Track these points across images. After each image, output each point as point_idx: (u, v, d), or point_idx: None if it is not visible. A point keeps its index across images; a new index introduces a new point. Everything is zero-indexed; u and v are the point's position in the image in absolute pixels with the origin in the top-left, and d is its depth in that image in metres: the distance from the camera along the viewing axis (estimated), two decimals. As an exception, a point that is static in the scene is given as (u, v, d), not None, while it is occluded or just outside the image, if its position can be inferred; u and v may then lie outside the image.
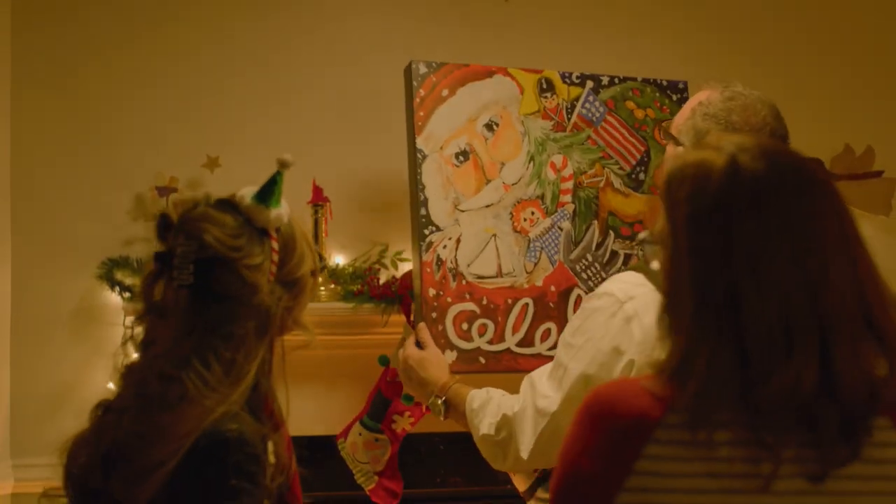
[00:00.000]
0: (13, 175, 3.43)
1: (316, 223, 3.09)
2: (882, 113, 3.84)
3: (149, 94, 3.51)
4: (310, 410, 3.30)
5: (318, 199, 3.11)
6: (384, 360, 3.01)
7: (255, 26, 3.50)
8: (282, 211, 1.82)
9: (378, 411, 3.14)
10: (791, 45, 3.83)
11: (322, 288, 3.08)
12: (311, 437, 3.21)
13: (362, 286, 2.83)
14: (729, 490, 1.31)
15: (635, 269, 2.12)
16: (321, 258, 3.07)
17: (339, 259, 3.23)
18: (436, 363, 2.61)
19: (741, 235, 1.32)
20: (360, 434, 3.18)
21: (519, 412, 2.16)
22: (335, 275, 3.12)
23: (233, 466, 1.63)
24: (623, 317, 2.04)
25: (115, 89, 3.47)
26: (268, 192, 1.80)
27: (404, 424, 3.15)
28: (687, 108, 2.21)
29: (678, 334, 1.34)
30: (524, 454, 2.14)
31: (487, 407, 2.27)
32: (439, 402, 2.47)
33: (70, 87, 3.47)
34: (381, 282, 3.27)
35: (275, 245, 1.77)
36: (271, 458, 1.73)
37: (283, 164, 1.84)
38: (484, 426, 2.26)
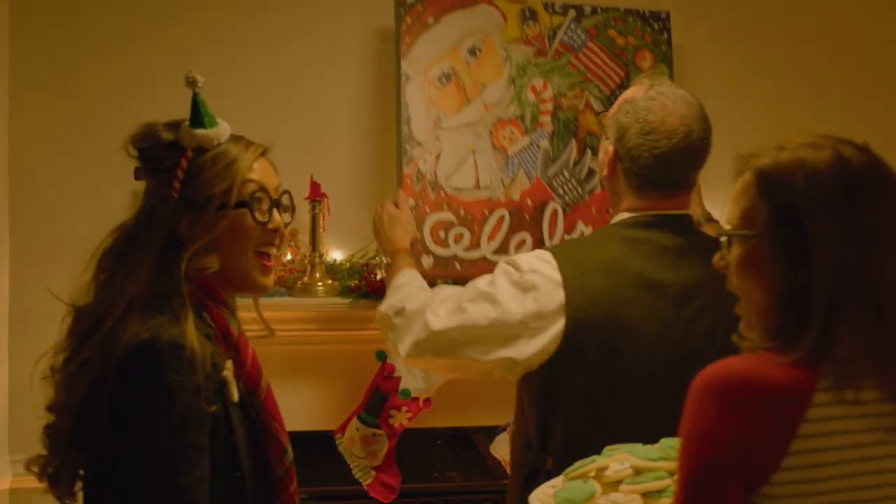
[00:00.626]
0: (11, 174, 3.52)
1: (314, 219, 3.24)
2: (873, 112, 3.97)
3: (149, 94, 3.66)
4: (307, 406, 3.40)
5: (316, 195, 3.28)
6: (381, 356, 3.10)
7: (254, 26, 3.64)
8: (210, 132, 2.03)
9: (375, 406, 3.18)
10: (781, 42, 3.99)
11: (319, 284, 3.20)
12: (308, 431, 3.29)
13: (359, 282, 2.89)
14: (884, 442, 1.57)
15: (550, 249, 2.41)
16: (319, 253, 3.27)
17: (336, 255, 3.36)
18: (403, 225, 2.88)
19: (863, 214, 1.59)
20: (357, 429, 3.24)
21: (415, 311, 2.46)
22: (332, 270, 3.23)
23: (147, 372, 1.85)
24: (522, 288, 2.35)
25: (115, 89, 3.59)
26: (195, 115, 1.99)
27: (401, 419, 3.19)
28: (616, 103, 2.46)
29: (815, 310, 1.58)
30: (402, 350, 2.47)
31: (402, 290, 2.55)
32: (384, 261, 2.83)
33: (70, 86, 3.65)
34: (379, 277, 3.38)
35: (184, 162, 1.97)
36: (227, 375, 1.93)
37: (190, 83, 2.04)
38: (387, 304, 2.55)
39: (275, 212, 2.04)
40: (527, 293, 2.31)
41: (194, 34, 3.63)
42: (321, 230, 3.29)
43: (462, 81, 3.14)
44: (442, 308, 2.39)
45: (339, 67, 3.60)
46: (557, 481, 1.92)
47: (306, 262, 3.23)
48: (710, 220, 3.02)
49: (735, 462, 1.55)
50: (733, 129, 3.49)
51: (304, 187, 3.30)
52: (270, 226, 2.04)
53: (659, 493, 1.77)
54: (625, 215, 2.39)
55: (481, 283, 2.39)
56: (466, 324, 2.34)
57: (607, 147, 2.44)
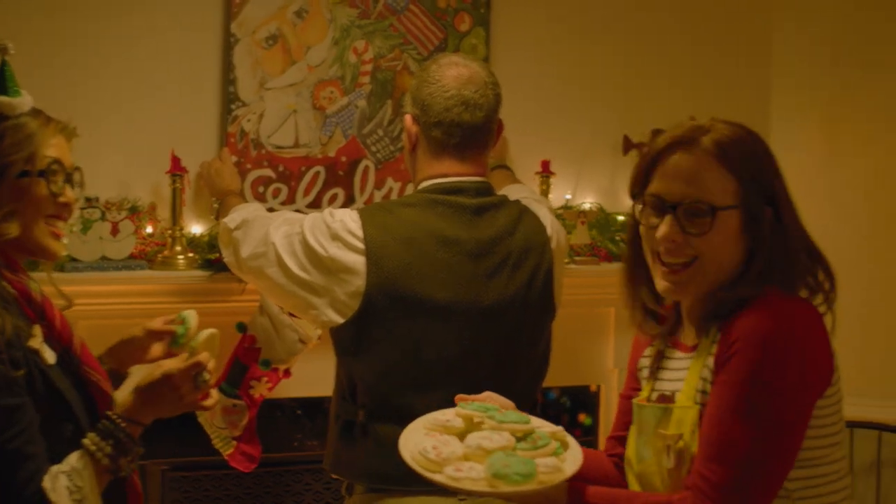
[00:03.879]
0: None
1: (174, 193, 3.47)
2: (722, 89, 4.45)
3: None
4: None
5: (177, 170, 3.49)
6: (241, 328, 3.35)
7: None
8: (13, 101, 2.22)
9: (235, 377, 3.34)
10: (636, 20, 4.38)
11: (180, 257, 3.44)
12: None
13: (220, 255, 3.20)
14: None
15: (358, 210, 2.82)
16: (179, 227, 3.56)
17: (196, 228, 3.58)
18: (227, 175, 3.55)
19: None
20: (218, 399, 3.49)
21: (256, 223, 2.95)
22: (192, 244, 3.49)
23: None
24: (328, 242, 2.75)
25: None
26: (0, 82, 2.22)
27: (262, 390, 3.38)
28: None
29: (798, 260, 2.13)
30: (244, 254, 2.90)
31: (244, 209, 3.10)
32: (215, 204, 3.49)
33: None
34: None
35: None
36: (34, 343, 2.17)
37: (1, 51, 2.25)
38: (229, 218, 3.03)
39: (67, 186, 2.28)
40: (333, 244, 2.71)
41: (25, 6, 3.65)
42: (181, 204, 3.52)
43: (288, 43, 3.71)
44: (281, 228, 2.82)
45: (192, 33, 3.77)
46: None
47: (167, 235, 3.50)
48: (503, 167, 3.51)
49: (822, 385, 2.05)
50: (550, 91, 4.12)
51: (165, 162, 3.57)
52: (62, 199, 2.26)
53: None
54: (426, 183, 2.81)
55: (301, 224, 2.88)
56: (285, 253, 2.79)
57: (406, 117, 2.95)
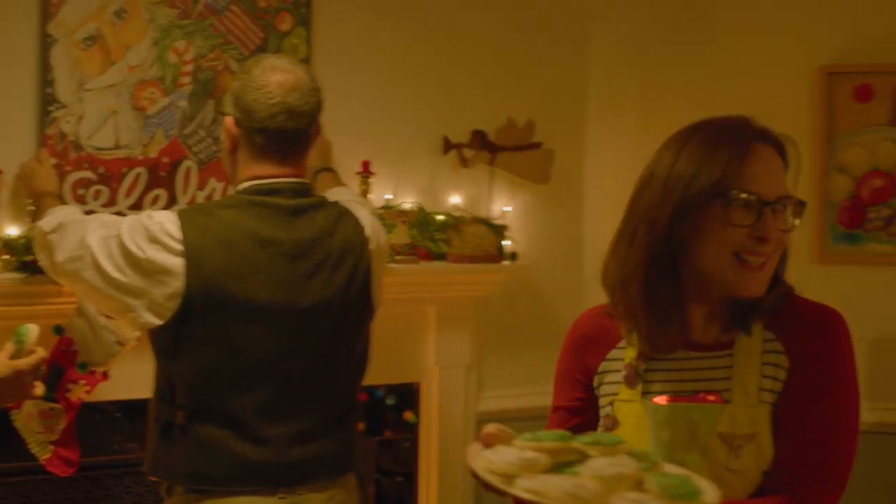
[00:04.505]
0: None
1: None
2: (541, 88, 4.65)
3: None
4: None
5: None
6: (58, 330, 3.33)
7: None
8: None
9: (52, 380, 3.29)
10: (456, 19, 4.51)
11: None
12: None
13: (35, 258, 3.16)
14: None
15: (177, 212, 2.83)
16: None
17: (12, 230, 3.51)
18: (44, 176, 3.56)
19: None
20: (34, 404, 3.34)
21: (71, 227, 2.96)
22: (8, 246, 3.44)
23: None
24: (146, 244, 2.75)
25: None
26: None
27: (79, 393, 3.37)
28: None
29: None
30: (59, 258, 2.89)
31: (60, 212, 3.11)
32: (30, 206, 3.48)
33: None
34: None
35: None
36: None
37: None
38: (44, 221, 3.01)
39: None
40: (151, 246, 2.71)
41: None
42: (-3, 205, 3.46)
43: (107, 43, 3.77)
44: (98, 231, 2.81)
45: (7, 34, 3.74)
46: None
47: (-19, 237, 3.43)
48: (327, 169, 3.59)
49: None
50: (371, 91, 4.23)
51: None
52: None
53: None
54: (244, 184, 2.84)
55: (119, 227, 2.90)
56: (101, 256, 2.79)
57: (226, 119, 2.98)
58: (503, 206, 4.33)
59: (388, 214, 3.99)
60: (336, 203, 3.00)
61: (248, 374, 2.76)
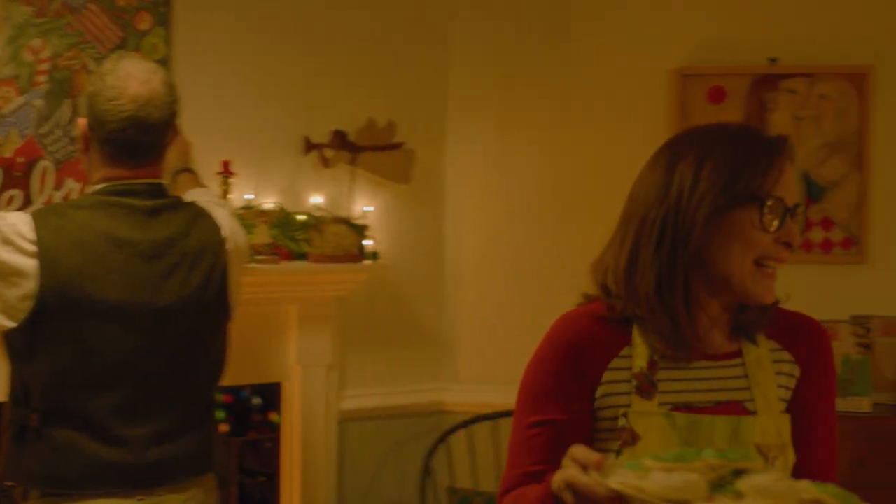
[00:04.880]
0: None
1: None
2: (402, 88, 4.75)
3: None
4: None
5: None
6: None
7: None
8: None
9: None
10: (317, 19, 4.57)
11: None
12: None
13: None
14: None
15: (31, 213, 2.80)
16: None
17: None
18: None
19: None
20: None
21: None
22: None
23: None
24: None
25: None
26: None
27: None
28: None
29: None
30: None
31: None
32: None
33: None
34: None
35: None
36: None
37: None
38: None
39: None
40: (4, 248, 2.66)
41: None
42: None
43: None
44: None
45: None
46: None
47: None
48: (187, 170, 3.60)
49: None
50: (232, 90, 4.29)
51: None
52: None
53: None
54: (99, 185, 2.81)
55: None
56: None
57: (80, 121, 2.98)
58: (364, 206, 4.40)
59: (249, 214, 4.04)
60: (193, 204, 3.01)
61: (104, 374, 2.75)
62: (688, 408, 1.99)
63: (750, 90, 4.44)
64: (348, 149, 4.36)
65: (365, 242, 4.28)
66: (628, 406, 1.98)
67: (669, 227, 1.96)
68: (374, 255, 4.31)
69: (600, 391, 2.01)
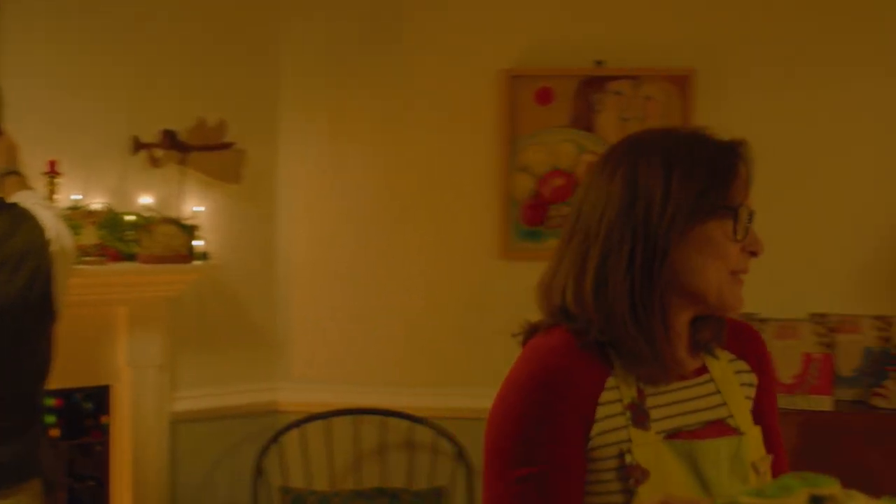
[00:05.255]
0: None
1: None
2: (233, 88, 4.77)
3: None
4: None
5: None
6: None
7: None
8: None
9: None
10: (146, 19, 4.55)
11: None
12: None
13: None
14: None
15: None
16: None
17: None
18: None
19: None
20: None
21: None
22: None
23: None
24: None
25: None
26: None
27: None
28: None
29: None
30: None
31: None
32: None
33: None
34: None
35: None
36: None
37: None
38: None
39: None
40: None
41: None
42: None
43: None
44: None
45: None
46: None
47: None
48: (14, 172, 3.54)
49: None
50: (61, 91, 4.30)
51: None
52: None
53: None
54: None
55: None
56: None
57: None
58: (195, 206, 4.42)
59: (76, 215, 4.03)
60: (17, 206, 3.00)
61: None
62: (680, 433, 1.90)
63: (577, 91, 4.56)
64: (178, 148, 4.36)
65: (195, 243, 4.30)
66: (629, 441, 1.84)
67: (640, 243, 1.85)
68: (204, 256, 4.33)
69: (595, 430, 1.84)
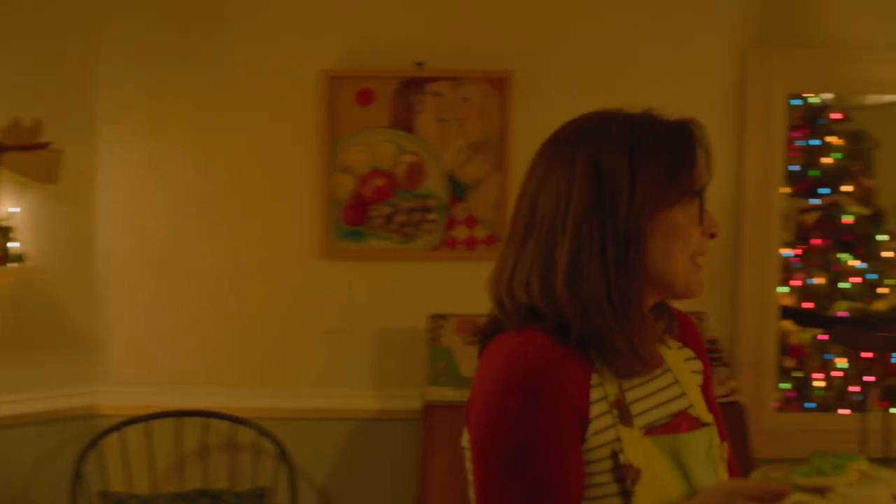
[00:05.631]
0: None
1: None
2: (49, 87, 4.68)
3: None
4: None
5: None
6: None
7: None
8: None
9: None
10: None
11: None
12: None
13: None
14: None
15: None
16: None
17: None
18: None
19: None
20: None
21: None
22: None
23: None
24: None
25: None
26: None
27: None
28: None
29: None
30: None
31: None
32: None
33: None
34: None
35: None
36: None
37: None
38: None
39: None
40: None
41: None
42: None
43: None
44: None
45: None
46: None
47: None
48: None
49: None
50: None
51: None
52: None
53: None
54: None
55: None
56: None
57: None
58: (9, 207, 4.36)
59: None
60: None
61: None
62: (655, 428, 1.86)
63: (397, 92, 4.64)
64: (-8, 148, 4.29)
65: (10, 245, 4.25)
66: (619, 440, 1.80)
67: (610, 233, 1.80)
68: (20, 258, 4.28)
69: (591, 430, 1.80)
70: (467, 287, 4.58)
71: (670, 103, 4.60)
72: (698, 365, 2.03)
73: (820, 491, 1.65)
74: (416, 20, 4.72)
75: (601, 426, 1.79)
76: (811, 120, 5.33)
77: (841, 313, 5.16)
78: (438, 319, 4.43)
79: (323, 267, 4.66)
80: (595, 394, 1.80)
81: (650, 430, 1.84)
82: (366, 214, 4.65)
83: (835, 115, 5.32)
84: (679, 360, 1.99)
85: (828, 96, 5.25)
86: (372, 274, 4.71)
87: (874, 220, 5.30)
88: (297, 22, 4.71)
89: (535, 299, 1.82)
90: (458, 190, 4.66)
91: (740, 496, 1.64)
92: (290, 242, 4.70)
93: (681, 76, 4.69)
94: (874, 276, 5.36)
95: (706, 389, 2.03)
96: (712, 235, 1.90)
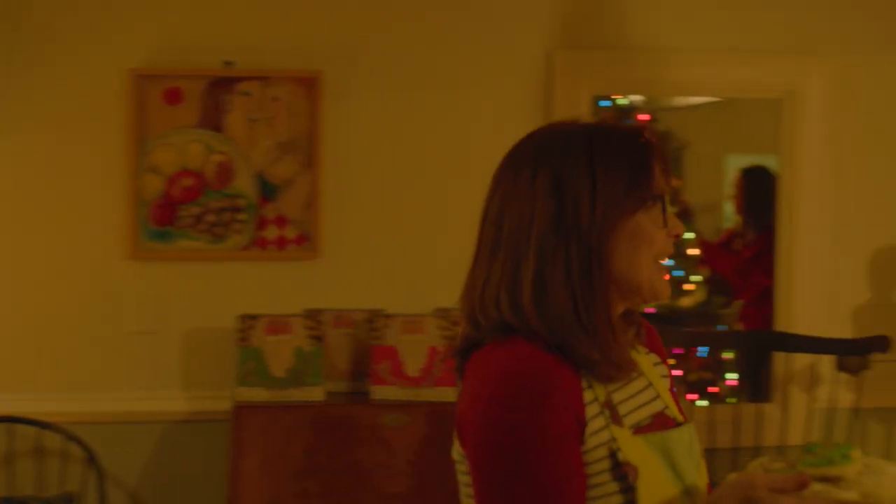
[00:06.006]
0: None
1: None
2: None
3: None
4: None
5: None
6: None
7: None
8: None
9: None
10: None
11: None
12: None
13: None
14: None
15: None
16: None
17: None
18: None
19: None
20: None
21: None
22: None
23: None
24: None
25: None
26: None
27: None
28: None
29: None
30: None
31: None
32: None
33: None
34: None
35: None
36: None
37: None
38: None
39: None
40: None
41: None
42: None
43: None
44: None
45: None
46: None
47: None
48: None
49: None
50: None
51: None
52: None
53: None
54: None
55: None
56: None
57: None
58: None
59: None
60: None
61: None
62: (641, 428, 1.89)
63: (206, 92, 4.65)
64: None
65: None
66: (614, 440, 1.82)
67: (574, 246, 1.82)
68: None
69: (588, 431, 1.82)
70: (277, 287, 4.63)
71: (478, 104, 4.75)
72: (664, 369, 2.08)
73: (830, 480, 1.69)
74: (225, 18, 4.73)
75: (597, 427, 1.81)
76: (619, 121, 5.50)
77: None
78: (248, 320, 4.41)
79: (131, 267, 4.62)
80: (587, 396, 1.82)
81: (638, 430, 1.88)
82: (174, 214, 4.64)
83: (642, 117, 5.49)
84: (649, 364, 2.02)
85: (637, 98, 5.42)
86: (181, 274, 4.70)
87: (681, 219, 5.47)
88: (102, 19, 4.66)
89: (506, 315, 1.84)
90: (267, 190, 4.68)
91: (763, 489, 1.66)
92: (97, 244, 4.64)
93: (489, 77, 4.81)
94: (680, 273, 5.55)
95: (672, 393, 2.07)
96: (677, 236, 1.92)
